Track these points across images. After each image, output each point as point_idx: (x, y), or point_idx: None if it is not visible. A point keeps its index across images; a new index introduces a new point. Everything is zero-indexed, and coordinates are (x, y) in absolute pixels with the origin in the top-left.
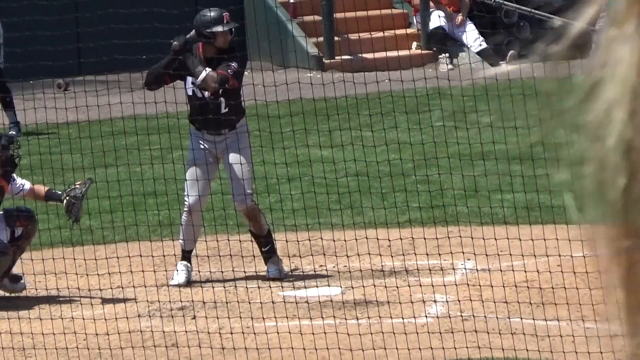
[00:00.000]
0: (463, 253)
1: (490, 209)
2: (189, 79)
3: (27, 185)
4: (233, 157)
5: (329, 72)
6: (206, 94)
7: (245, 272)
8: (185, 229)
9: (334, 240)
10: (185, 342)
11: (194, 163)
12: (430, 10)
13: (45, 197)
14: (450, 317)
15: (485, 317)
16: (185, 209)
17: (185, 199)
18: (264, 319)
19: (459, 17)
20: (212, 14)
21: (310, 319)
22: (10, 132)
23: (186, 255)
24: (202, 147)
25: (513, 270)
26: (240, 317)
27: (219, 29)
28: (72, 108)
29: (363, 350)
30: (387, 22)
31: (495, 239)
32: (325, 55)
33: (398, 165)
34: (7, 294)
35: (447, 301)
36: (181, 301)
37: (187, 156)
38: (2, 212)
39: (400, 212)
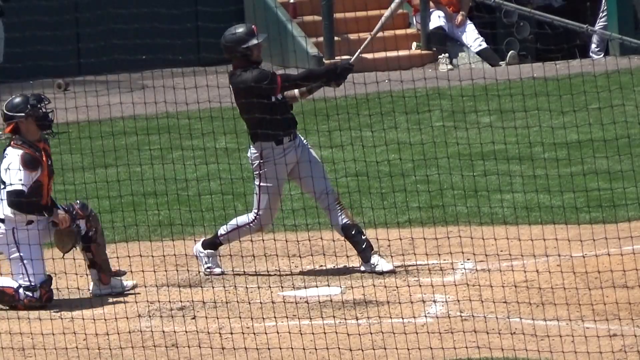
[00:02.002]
0: (462, 253)
1: (490, 209)
2: None
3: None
4: (309, 156)
5: None
6: (274, 98)
7: (245, 272)
8: (240, 232)
9: (334, 240)
10: (185, 342)
11: (276, 178)
12: (430, 10)
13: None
14: (449, 317)
15: (484, 317)
16: (254, 221)
17: (258, 212)
18: (264, 319)
19: (459, 17)
20: (243, 29)
21: (310, 319)
22: None
23: (216, 246)
24: (282, 162)
25: (512, 270)
26: (240, 317)
27: (254, 41)
28: (72, 108)
29: (363, 350)
30: (387, 22)
31: (495, 239)
32: (325, 55)
33: (398, 165)
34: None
35: (446, 301)
36: (181, 301)
37: (267, 170)
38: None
39: (400, 212)
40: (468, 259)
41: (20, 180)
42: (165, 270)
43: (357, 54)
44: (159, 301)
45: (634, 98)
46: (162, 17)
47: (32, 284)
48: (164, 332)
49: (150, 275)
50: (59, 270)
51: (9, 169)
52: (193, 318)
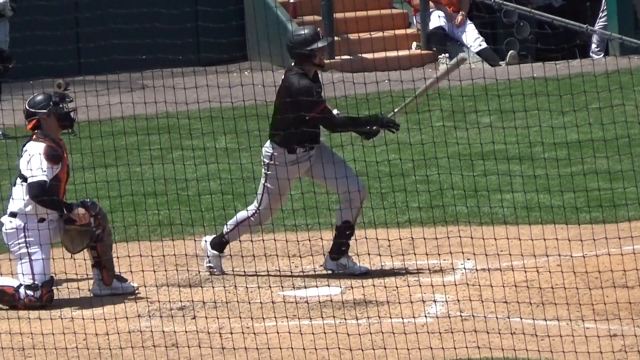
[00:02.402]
0: (463, 253)
1: (490, 209)
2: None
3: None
4: (333, 159)
5: (329, 72)
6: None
7: (245, 272)
8: (240, 229)
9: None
10: (185, 342)
11: (287, 179)
12: (430, 10)
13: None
14: (450, 317)
15: (485, 317)
16: (254, 215)
17: (256, 208)
18: (264, 319)
19: (459, 17)
20: (308, 31)
21: (310, 319)
22: None
23: (222, 247)
24: (295, 167)
25: (513, 270)
26: (240, 317)
27: (319, 44)
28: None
29: (363, 350)
30: (387, 22)
31: (495, 239)
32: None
33: (398, 165)
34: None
35: (446, 301)
36: (181, 301)
37: (275, 173)
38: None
39: (400, 212)
40: (468, 259)
41: (44, 171)
42: (165, 270)
43: (397, 109)
44: (159, 301)
45: (634, 98)
46: (162, 17)
47: (35, 283)
48: (164, 332)
49: (150, 275)
50: (59, 270)
51: (31, 162)
52: (193, 318)
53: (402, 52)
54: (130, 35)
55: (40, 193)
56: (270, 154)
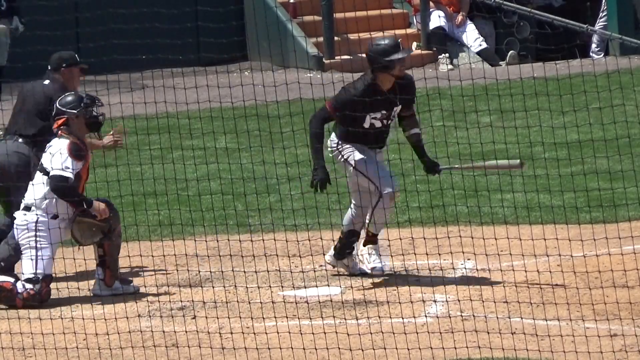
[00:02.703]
0: (463, 253)
1: (490, 209)
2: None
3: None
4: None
5: (329, 72)
6: (378, 123)
7: (245, 272)
8: (377, 217)
9: (333, 240)
10: (185, 342)
11: (368, 159)
12: (430, 10)
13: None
14: (450, 317)
15: (485, 316)
16: (381, 201)
17: (379, 189)
18: (264, 319)
19: (459, 17)
20: (388, 41)
21: (310, 319)
22: None
23: (374, 240)
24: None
25: (513, 270)
26: (240, 317)
27: (398, 55)
28: None
29: (363, 350)
30: (387, 22)
31: (495, 239)
32: (325, 55)
33: (398, 165)
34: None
35: (447, 301)
36: (181, 301)
37: (352, 156)
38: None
39: (400, 212)
40: (468, 259)
41: (68, 167)
42: (166, 270)
43: (449, 167)
44: (159, 301)
45: (634, 98)
46: (162, 17)
47: (36, 276)
48: (164, 332)
49: (150, 275)
50: (59, 270)
51: (55, 156)
52: (193, 318)
53: None
54: (130, 35)
55: (62, 187)
56: (337, 142)
